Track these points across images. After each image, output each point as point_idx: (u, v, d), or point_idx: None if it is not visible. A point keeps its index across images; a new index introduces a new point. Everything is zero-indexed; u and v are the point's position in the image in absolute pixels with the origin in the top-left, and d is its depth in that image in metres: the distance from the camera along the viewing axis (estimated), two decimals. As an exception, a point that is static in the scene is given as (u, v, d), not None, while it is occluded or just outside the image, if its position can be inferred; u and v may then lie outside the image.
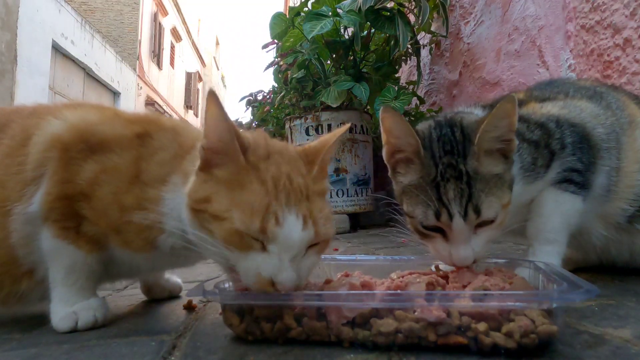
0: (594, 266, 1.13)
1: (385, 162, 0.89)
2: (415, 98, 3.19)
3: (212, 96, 0.68)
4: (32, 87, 8.22)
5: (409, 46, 3.01)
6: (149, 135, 0.85)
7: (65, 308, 0.83)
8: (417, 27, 3.05)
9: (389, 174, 0.90)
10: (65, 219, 0.82)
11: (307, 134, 3.21)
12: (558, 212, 0.95)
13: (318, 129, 3.18)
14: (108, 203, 0.81)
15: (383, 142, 0.87)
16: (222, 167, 0.71)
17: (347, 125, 0.89)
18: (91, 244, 0.84)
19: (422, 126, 0.91)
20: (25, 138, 0.86)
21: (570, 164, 0.95)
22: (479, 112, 1.02)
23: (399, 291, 0.69)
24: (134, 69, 13.36)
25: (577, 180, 0.95)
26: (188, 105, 19.95)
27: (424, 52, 3.51)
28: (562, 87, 1.11)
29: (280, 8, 8.31)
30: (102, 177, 0.81)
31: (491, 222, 0.79)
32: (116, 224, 0.81)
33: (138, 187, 0.81)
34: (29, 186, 0.83)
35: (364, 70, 3.24)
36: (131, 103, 12.63)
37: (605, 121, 1.00)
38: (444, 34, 3.10)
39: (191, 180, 0.74)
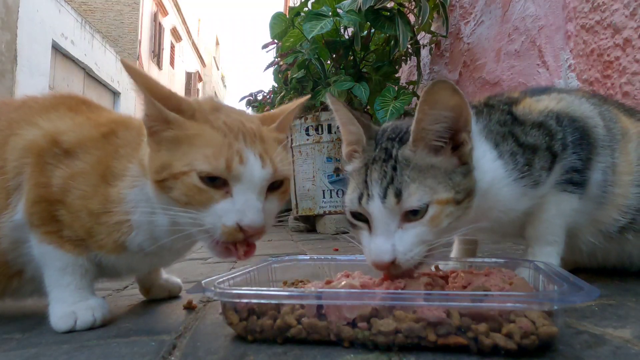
0: (593, 266, 1.13)
1: (345, 158, 0.85)
2: (415, 98, 3.19)
3: (126, 66, 0.71)
4: (32, 87, 8.21)
5: (409, 46, 3.01)
6: (114, 133, 0.86)
7: (64, 308, 0.83)
8: (417, 27, 3.05)
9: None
10: (47, 224, 0.83)
11: (307, 134, 3.22)
12: (558, 213, 0.94)
13: (318, 129, 3.18)
14: (78, 208, 0.82)
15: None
16: (164, 131, 0.73)
17: (307, 96, 0.94)
18: (78, 247, 0.84)
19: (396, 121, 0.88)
20: (7, 136, 0.87)
21: (572, 163, 0.93)
22: None
23: (399, 290, 0.69)
24: (134, 69, 13.34)
25: (576, 179, 0.93)
26: (188, 105, 19.92)
27: (424, 52, 3.51)
28: (555, 90, 1.08)
29: (280, 8, 8.30)
30: (70, 182, 0.82)
31: (420, 215, 0.70)
32: (88, 227, 0.82)
33: (103, 189, 0.82)
34: (12, 195, 0.84)
35: (364, 70, 3.24)
36: (131, 103, 12.61)
37: (602, 123, 0.99)
38: (444, 34, 3.10)
39: (146, 157, 0.76)
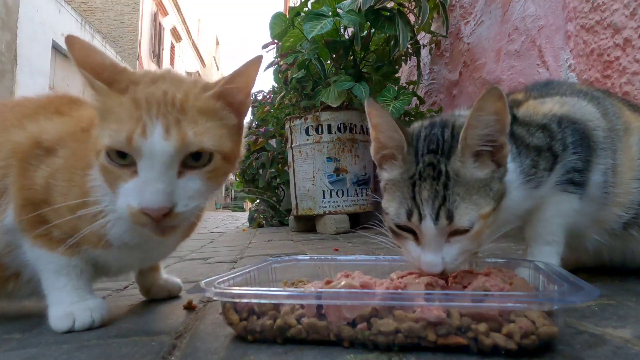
0: (594, 266, 1.13)
1: (373, 158, 0.85)
2: (415, 98, 3.19)
3: (66, 40, 0.71)
4: (32, 87, 8.21)
5: (409, 46, 3.01)
6: (94, 127, 0.85)
7: (62, 309, 0.82)
8: (417, 27, 3.05)
9: (377, 170, 0.86)
10: (36, 227, 0.82)
11: (307, 134, 3.22)
12: (557, 213, 0.95)
13: (318, 129, 3.18)
14: (60, 205, 0.80)
15: (371, 138, 0.83)
16: (96, 103, 0.72)
17: (259, 56, 0.77)
18: (70, 248, 0.82)
19: (415, 124, 0.88)
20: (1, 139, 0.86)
21: (572, 163, 0.94)
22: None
23: (399, 290, 0.69)
24: (134, 69, 13.35)
25: (577, 180, 0.94)
26: (188, 105, 19.92)
27: (424, 52, 3.52)
28: (558, 88, 1.09)
29: (280, 8, 8.30)
30: (50, 180, 0.81)
31: (466, 231, 0.73)
32: (73, 224, 0.79)
33: (78, 181, 0.79)
34: (1, 198, 0.83)
35: (364, 70, 3.24)
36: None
37: (603, 124, 0.99)
38: (444, 34, 3.10)
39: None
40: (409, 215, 0.74)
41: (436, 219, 0.72)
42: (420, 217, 0.73)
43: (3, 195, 0.84)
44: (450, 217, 0.71)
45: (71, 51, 0.71)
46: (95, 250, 0.84)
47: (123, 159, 0.66)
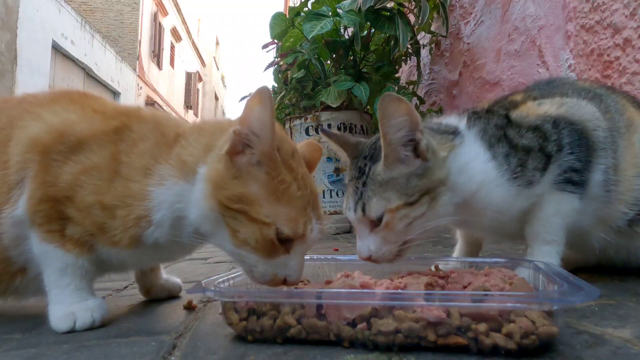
0: (593, 266, 1.13)
1: None
2: (415, 98, 3.19)
3: (261, 91, 0.70)
4: (32, 87, 8.21)
5: (409, 46, 3.01)
6: (128, 128, 0.84)
7: (63, 309, 0.82)
8: (417, 27, 3.05)
9: None
10: (50, 222, 0.82)
11: (307, 134, 3.21)
12: (557, 212, 0.95)
13: (318, 129, 3.18)
14: (91, 204, 0.80)
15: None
16: (258, 167, 0.72)
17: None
18: (79, 247, 0.83)
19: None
20: (9, 133, 0.86)
21: (569, 163, 0.94)
22: (449, 121, 1.03)
23: (399, 290, 0.69)
24: (134, 69, 13.36)
25: (575, 179, 0.94)
26: (188, 105, 19.94)
27: (424, 52, 3.52)
28: (560, 87, 1.10)
29: (280, 8, 8.30)
30: (82, 178, 0.80)
31: (380, 222, 0.84)
32: (101, 223, 0.81)
33: (120, 184, 0.80)
34: (13, 190, 0.83)
35: (364, 70, 3.24)
36: (131, 103, 12.62)
37: (604, 124, 0.99)
38: (444, 34, 3.10)
39: (208, 169, 0.75)
40: (347, 209, 0.90)
41: (354, 211, 0.86)
42: (348, 210, 0.89)
43: (17, 186, 0.83)
44: (363, 209, 0.85)
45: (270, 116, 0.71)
46: (122, 250, 0.83)
47: (283, 239, 0.73)
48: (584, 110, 1.00)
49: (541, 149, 0.94)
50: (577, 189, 0.94)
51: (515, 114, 1.00)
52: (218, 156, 0.74)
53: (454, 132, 0.96)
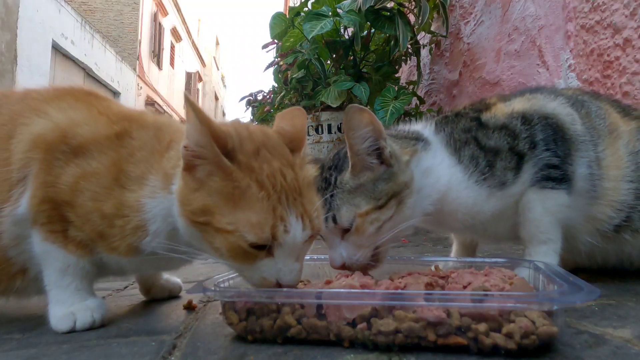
0: (594, 267, 1.13)
1: None
2: (415, 98, 3.19)
3: (188, 100, 0.66)
4: (32, 87, 8.20)
5: (409, 46, 3.01)
6: (128, 134, 0.83)
7: (63, 309, 0.82)
8: (417, 27, 3.05)
9: None
10: (52, 223, 0.81)
11: (307, 134, 3.21)
12: (544, 211, 0.94)
13: (318, 129, 3.18)
14: (90, 210, 0.79)
15: None
16: (211, 176, 0.68)
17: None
18: (81, 249, 0.82)
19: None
20: (11, 129, 0.84)
21: (545, 160, 0.93)
22: (415, 128, 1.04)
23: (399, 290, 0.69)
24: (134, 69, 13.35)
25: (555, 176, 0.93)
26: (188, 105, 19.91)
27: (424, 52, 3.51)
28: (540, 91, 1.08)
29: (280, 8, 8.31)
30: (82, 183, 0.79)
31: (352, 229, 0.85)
32: (100, 230, 0.80)
33: (118, 192, 0.79)
34: (15, 188, 0.82)
35: (364, 70, 3.24)
36: (131, 103, 12.61)
37: (577, 117, 0.99)
38: (444, 34, 3.10)
39: (177, 185, 0.72)
40: None
41: (326, 222, 0.86)
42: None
43: (19, 184, 0.81)
44: (334, 220, 0.86)
45: (199, 115, 0.65)
46: (120, 258, 0.82)
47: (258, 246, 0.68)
48: (555, 103, 0.99)
49: (511, 148, 0.94)
50: (560, 185, 0.93)
51: (485, 116, 1.00)
52: (180, 172, 0.72)
53: (417, 138, 0.98)
